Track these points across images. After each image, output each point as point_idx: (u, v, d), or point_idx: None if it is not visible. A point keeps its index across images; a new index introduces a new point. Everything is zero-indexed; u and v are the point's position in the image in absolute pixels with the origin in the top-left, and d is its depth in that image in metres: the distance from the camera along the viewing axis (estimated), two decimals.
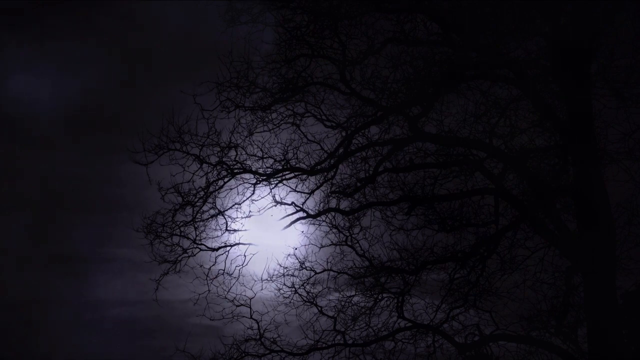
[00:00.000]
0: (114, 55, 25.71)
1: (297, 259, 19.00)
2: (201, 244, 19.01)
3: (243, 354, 18.91)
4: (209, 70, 18.72)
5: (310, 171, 18.87)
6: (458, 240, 18.79)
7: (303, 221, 18.96)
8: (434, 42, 18.46)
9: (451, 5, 18.25)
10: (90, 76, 25.80)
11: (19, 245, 26.25)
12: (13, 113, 25.86)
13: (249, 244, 18.95)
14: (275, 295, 19.01)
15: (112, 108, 25.65)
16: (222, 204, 18.97)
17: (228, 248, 18.99)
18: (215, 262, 18.98)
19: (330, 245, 19.06)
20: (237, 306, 18.99)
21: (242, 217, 18.94)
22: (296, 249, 18.98)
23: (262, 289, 18.99)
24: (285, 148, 18.86)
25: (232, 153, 18.85)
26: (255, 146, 18.88)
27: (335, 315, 19.03)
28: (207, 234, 19.03)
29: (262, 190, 18.92)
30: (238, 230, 18.95)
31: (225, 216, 18.97)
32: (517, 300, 18.68)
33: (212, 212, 18.97)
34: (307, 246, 19.05)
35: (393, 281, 18.95)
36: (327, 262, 19.07)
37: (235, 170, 18.89)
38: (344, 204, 18.97)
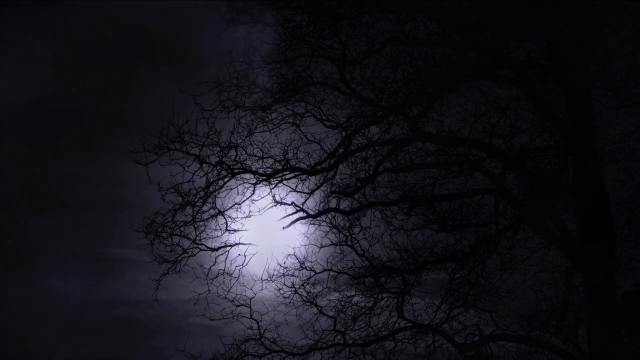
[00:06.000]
0: (113, 55, 25.72)
1: (297, 259, 19.02)
2: (201, 244, 19.02)
3: (243, 354, 18.92)
4: (209, 70, 18.75)
5: (310, 171, 18.87)
6: (458, 240, 18.81)
7: (303, 221, 18.98)
8: (434, 42, 18.47)
9: (451, 5, 18.25)
10: (90, 76, 25.82)
11: (18, 245, 26.27)
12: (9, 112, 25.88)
13: (249, 244, 18.97)
14: (275, 295, 19.03)
15: (111, 108, 25.66)
16: (222, 204, 18.99)
17: (228, 248, 19.01)
18: (215, 262, 18.99)
19: (330, 245, 19.07)
20: (237, 306, 19.01)
21: (242, 217, 18.97)
22: (292, 248, 19.03)
23: (262, 289, 19.02)
24: (285, 148, 18.88)
25: (232, 153, 18.87)
26: (255, 146, 18.91)
27: (335, 315, 19.04)
28: (207, 234, 19.05)
29: (262, 190, 18.94)
30: (238, 230, 18.97)
31: (225, 216, 18.98)
32: (517, 300, 18.70)
33: (212, 212, 18.98)
34: (307, 246, 19.07)
35: (393, 281, 18.96)
36: (327, 262, 19.10)
37: (235, 170, 18.90)
38: (344, 204, 18.99)
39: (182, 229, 18.95)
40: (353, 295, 19.08)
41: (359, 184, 18.80)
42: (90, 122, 26.20)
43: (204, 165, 18.84)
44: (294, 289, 19.03)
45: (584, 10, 17.82)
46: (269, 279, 18.97)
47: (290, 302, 19.03)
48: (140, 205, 19.24)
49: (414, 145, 18.77)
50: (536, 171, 18.48)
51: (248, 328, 19.01)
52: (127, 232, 18.88)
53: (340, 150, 18.76)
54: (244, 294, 19.01)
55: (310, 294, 19.06)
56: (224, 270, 18.96)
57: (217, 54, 18.74)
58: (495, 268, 18.72)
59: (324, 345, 18.90)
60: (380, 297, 18.99)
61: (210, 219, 19.00)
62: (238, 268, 18.94)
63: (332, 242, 19.07)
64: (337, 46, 18.70)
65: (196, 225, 18.96)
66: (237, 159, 18.89)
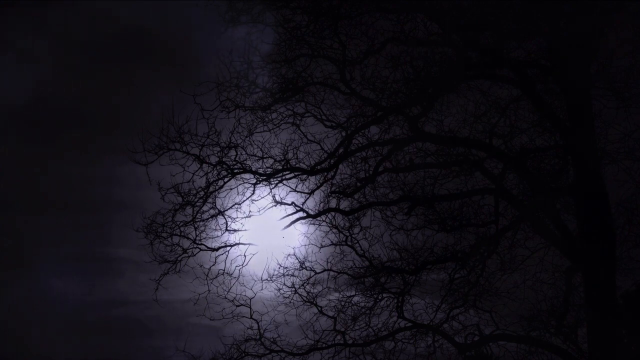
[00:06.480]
0: (113, 55, 25.72)
1: (297, 259, 19.02)
2: (201, 244, 19.02)
3: (243, 354, 18.92)
4: (209, 70, 18.75)
5: (310, 171, 18.87)
6: (458, 240, 18.80)
7: (303, 221, 18.98)
8: (434, 42, 18.47)
9: (451, 5, 18.26)
10: (90, 76, 25.82)
11: (18, 245, 26.27)
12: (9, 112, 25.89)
13: (249, 244, 18.97)
14: (275, 295, 19.03)
15: (111, 108, 25.66)
16: (222, 204, 18.99)
17: (228, 248, 19.01)
18: (215, 262, 18.99)
19: (330, 245, 19.07)
20: (237, 306, 19.00)
21: (242, 217, 18.97)
22: (289, 247, 19.03)
23: (262, 289, 19.02)
24: (285, 148, 18.88)
25: (232, 153, 18.87)
26: (255, 146, 18.91)
27: (335, 315, 19.03)
28: (207, 234, 19.05)
29: (262, 190, 18.94)
30: (238, 230, 18.97)
31: (225, 216, 18.98)
32: (517, 300, 18.69)
33: (212, 212, 18.98)
34: (307, 246, 19.07)
35: (393, 281, 18.96)
36: (327, 262, 19.09)
37: (235, 170, 18.90)
38: (344, 204, 18.99)
39: (182, 229, 18.96)
40: (353, 295, 19.08)
41: (359, 184, 18.80)
42: (90, 122, 26.21)
43: (204, 165, 18.85)
44: (294, 289, 19.03)
45: (584, 10, 17.82)
46: (269, 279, 18.98)
47: (290, 302, 19.03)
48: (140, 205, 19.26)
49: (414, 145, 18.77)
50: (536, 171, 18.48)
51: (248, 328, 19.02)
52: (127, 232, 18.90)
53: (340, 150, 18.76)
54: (244, 294, 19.02)
55: (310, 294, 19.06)
56: (224, 270, 18.97)
57: (217, 54, 18.76)
58: (495, 268, 18.73)
59: (324, 345, 18.89)
60: (380, 297, 18.98)
61: (210, 219, 19.01)
62: (238, 268, 18.96)
63: (332, 242, 19.07)
64: (337, 46, 18.70)
65: (196, 225, 18.98)
66: (237, 159, 18.89)
